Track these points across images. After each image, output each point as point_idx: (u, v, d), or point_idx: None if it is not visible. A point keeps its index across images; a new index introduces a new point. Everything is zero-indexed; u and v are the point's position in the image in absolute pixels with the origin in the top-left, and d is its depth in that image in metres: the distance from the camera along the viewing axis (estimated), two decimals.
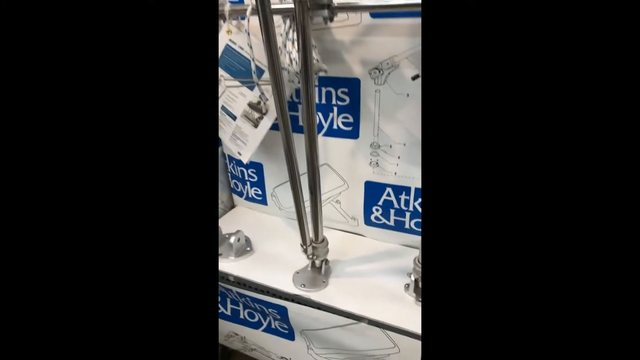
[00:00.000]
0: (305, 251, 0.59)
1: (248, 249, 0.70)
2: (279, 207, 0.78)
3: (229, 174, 0.82)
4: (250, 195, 0.81)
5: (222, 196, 0.84)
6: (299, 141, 0.49)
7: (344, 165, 0.66)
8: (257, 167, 0.75)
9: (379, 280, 0.61)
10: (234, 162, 0.78)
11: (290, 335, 0.66)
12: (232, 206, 0.87)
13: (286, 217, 0.79)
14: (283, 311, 0.61)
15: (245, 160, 0.62)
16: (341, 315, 0.56)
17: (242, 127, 0.60)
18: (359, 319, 0.55)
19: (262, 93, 0.56)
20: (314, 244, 0.60)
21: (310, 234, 0.59)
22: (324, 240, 0.60)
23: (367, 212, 0.68)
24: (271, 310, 0.63)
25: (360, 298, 0.57)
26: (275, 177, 0.74)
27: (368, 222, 0.70)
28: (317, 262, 0.62)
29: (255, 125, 0.59)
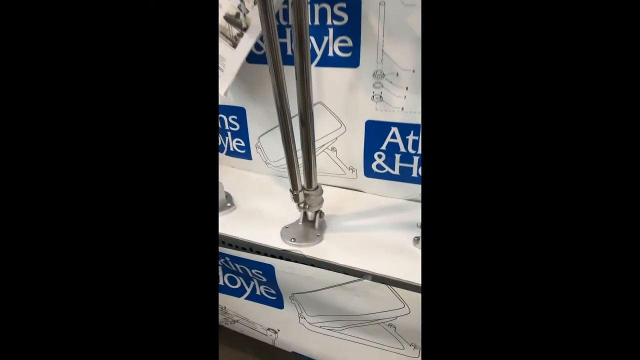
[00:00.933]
0: (296, 198, 0.50)
1: (229, 204, 0.60)
2: (265, 161, 0.68)
3: None
4: (232, 148, 0.70)
5: None
6: (287, 74, 0.40)
7: (341, 103, 0.56)
8: (239, 113, 0.65)
9: (383, 234, 0.52)
10: None
11: (278, 302, 0.57)
12: None
13: (274, 174, 0.70)
14: (269, 271, 0.51)
15: (222, 91, 0.52)
16: (339, 272, 0.47)
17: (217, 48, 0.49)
18: (361, 275, 0.45)
19: (242, 1, 0.46)
20: (305, 190, 0.50)
21: (302, 180, 0.49)
22: (317, 187, 0.51)
23: (368, 159, 0.59)
24: (256, 272, 0.53)
25: (361, 252, 0.48)
26: (260, 123, 0.64)
27: (369, 172, 0.60)
28: (310, 214, 0.53)
29: (234, 45, 0.48)
